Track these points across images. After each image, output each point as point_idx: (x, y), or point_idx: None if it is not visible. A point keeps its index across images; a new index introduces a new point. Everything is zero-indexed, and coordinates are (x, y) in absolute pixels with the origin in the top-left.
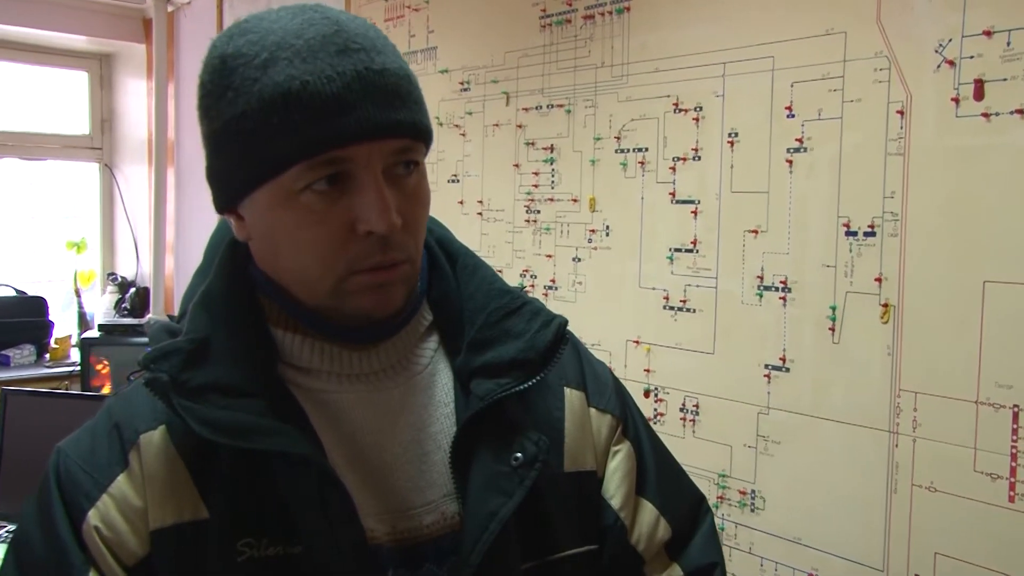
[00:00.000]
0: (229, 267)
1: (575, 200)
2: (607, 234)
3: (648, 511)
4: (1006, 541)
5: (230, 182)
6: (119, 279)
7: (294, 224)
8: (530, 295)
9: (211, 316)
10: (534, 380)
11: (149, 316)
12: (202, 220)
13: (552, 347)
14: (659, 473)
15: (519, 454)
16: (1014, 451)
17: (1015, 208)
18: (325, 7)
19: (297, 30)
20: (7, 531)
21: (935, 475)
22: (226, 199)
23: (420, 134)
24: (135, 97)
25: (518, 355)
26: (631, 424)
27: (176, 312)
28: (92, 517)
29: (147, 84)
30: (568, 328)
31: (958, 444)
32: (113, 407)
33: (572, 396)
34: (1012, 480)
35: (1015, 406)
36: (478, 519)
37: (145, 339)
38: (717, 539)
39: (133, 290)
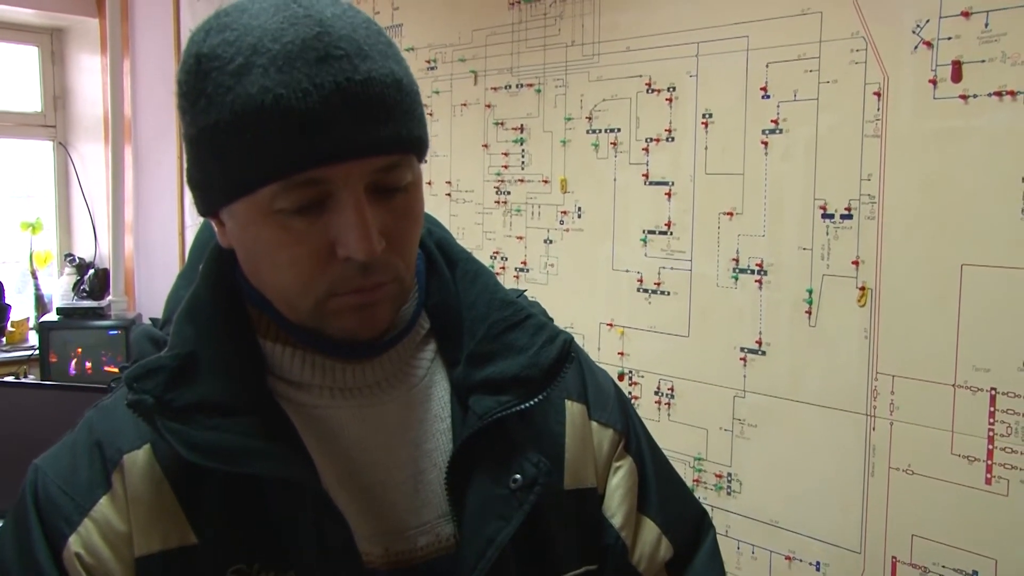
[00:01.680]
0: (214, 274)
1: (546, 181)
2: (579, 216)
3: (650, 529)
4: (983, 523)
5: (208, 191)
6: (77, 260)
7: (271, 243)
8: (530, 300)
9: (197, 328)
10: (536, 399)
11: (109, 298)
12: (161, 199)
13: (556, 365)
14: (661, 490)
15: (518, 475)
16: (991, 434)
17: (992, 191)
18: (310, 1)
19: (276, 31)
20: None
21: (912, 458)
22: (205, 206)
23: (409, 148)
24: (89, 73)
25: (520, 372)
26: (633, 438)
27: (160, 316)
28: (73, 543)
29: (101, 60)
30: (575, 343)
31: (935, 427)
32: (94, 422)
33: (573, 409)
34: (989, 463)
35: (992, 389)
36: (475, 544)
37: (106, 322)
38: (719, 558)
39: (92, 271)
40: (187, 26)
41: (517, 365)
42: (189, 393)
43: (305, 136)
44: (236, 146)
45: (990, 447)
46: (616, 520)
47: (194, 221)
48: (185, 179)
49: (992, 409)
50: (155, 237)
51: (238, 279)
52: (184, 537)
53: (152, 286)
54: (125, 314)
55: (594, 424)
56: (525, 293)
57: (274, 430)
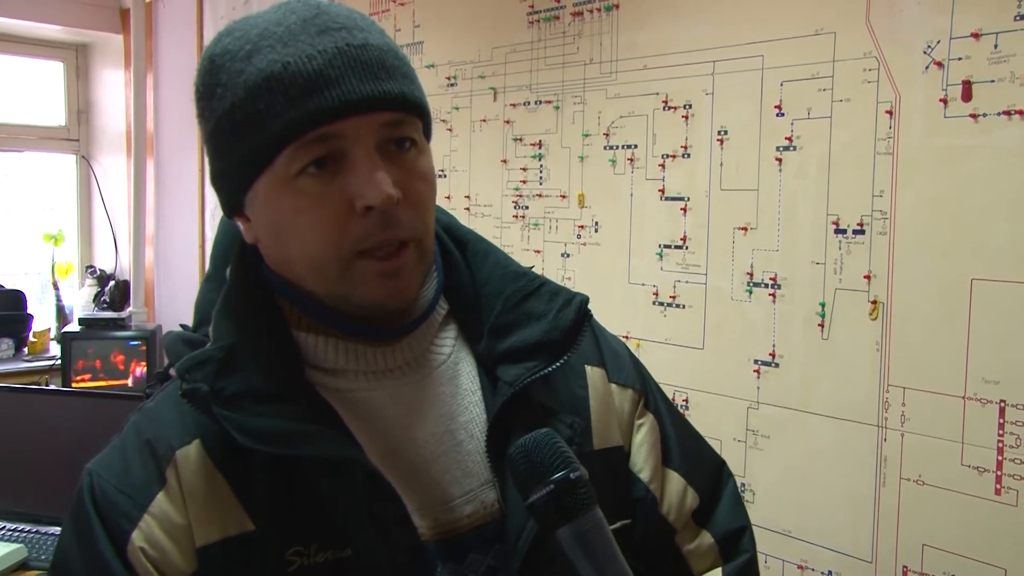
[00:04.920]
0: (242, 272)
1: (564, 196)
2: (596, 230)
3: (675, 481)
4: (992, 533)
5: (230, 179)
6: (98, 272)
7: (293, 210)
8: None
9: (235, 323)
10: (562, 360)
11: (129, 309)
12: (182, 212)
13: (576, 326)
14: (681, 442)
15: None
16: (1000, 445)
17: (1002, 207)
18: (313, 0)
19: (278, 19)
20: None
21: (923, 469)
22: (230, 199)
23: (411, 106)
24: (112, 88)
25: (543, 337)
26: (651, 397)
27: (191, 322)
28: (136, 538)
29: (125, 75)
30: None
31: (945, 438)
32: (140, 424)
33: (593, 374)
34: (998, 473)
35: (1001, 401)
36: (521, 508)
37: (127, 333)
38: (742, 503)
39: (112, 283)
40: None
41: (538, 331)
42: (236, 382)
43: (315, 93)
44: (252, 118)
45: (999, 458)
46: (644, 474)
47: (214, 234)
48: (208, 181)
49: (1001, 421)
50: (175, 249)
51: (266, 275)
52: (242, 525)
53: (172, 297)
54: (145, 325)
55: (613, 386)
56: (533, 268)
57: (316, 416)
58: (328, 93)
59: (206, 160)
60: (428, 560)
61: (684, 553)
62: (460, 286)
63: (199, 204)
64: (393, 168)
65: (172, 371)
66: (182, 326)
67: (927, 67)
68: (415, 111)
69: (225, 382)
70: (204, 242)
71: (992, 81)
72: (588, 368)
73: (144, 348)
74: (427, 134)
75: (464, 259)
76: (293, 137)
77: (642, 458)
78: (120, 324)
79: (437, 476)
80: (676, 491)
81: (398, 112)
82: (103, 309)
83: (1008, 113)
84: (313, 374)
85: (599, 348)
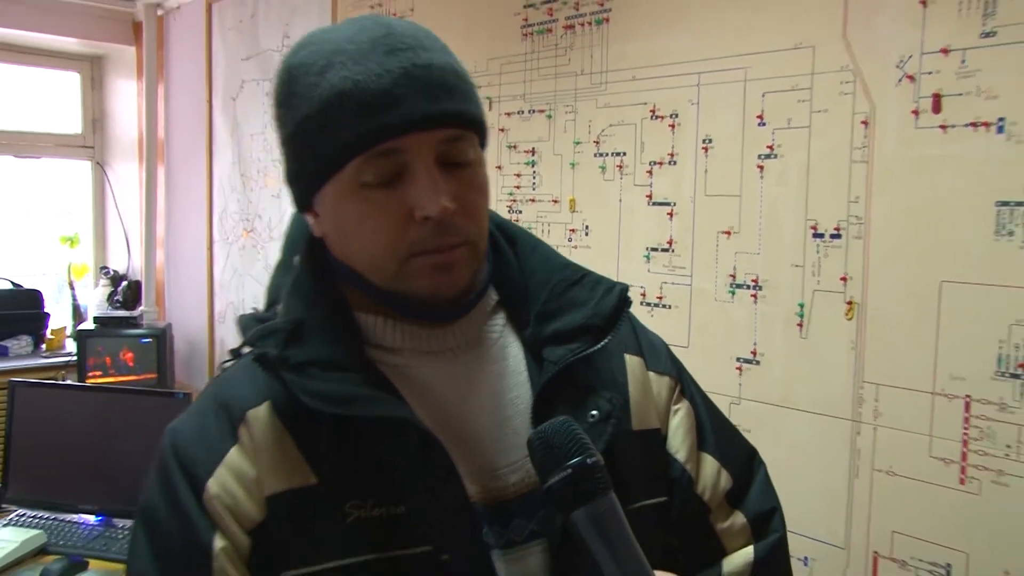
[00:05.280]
0: (311, 261)
1: (556, 201)
2: (587, 233)
3: (710, 464)
4: (957, 520)
5: (303, 181)
6: (111, 272)
7: (358, 215)
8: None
9: (303, 301)
10: (604, 342)
11: (141, 308)
12: (191, 216)
13: (616, 311)
14: (716, 429)
15: (595, 411)
16: (965, 438)
17: (969, 214)
18: (379, 16)
19: (350, 36)
20: (20, 515)
21: (894, 460)
22: (302, 197)
23: (468, 123)
24: (125, 97)
25: (586, 321)
26: (687, 385)
27: (262, 305)
28: (212, 486)
29: (137, 85)
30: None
31: (915, 432)
32: (216, 389)
33: (632, 362)
34: (963, 464)
35: (967, 396)
36: None
37: (139, 331)
38: (772, 487)
39: (125, 283)
40: (219, 54)
41: (582, 316)
42: (302, 352)
43: (380, 112)
44: (324, 129)
45: (964, 450)
46: (680, 455)
47: (221, 237)
48: (284, 179)
49: (967, 415)
50: (185, 251)
51: (331, 264)
52: (306, 478)
53: (182, 297)
54: (156, 323)
55: (651, 374)
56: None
57: (376, 386)
58: (393, 111)
59: (282, 160)
60: (475, 521)
61: (718, 531)
62: (509, 278)
63: (207, 208)
64: (451, 180)
65: (244, 349)
66: (254, 309)
67: (900, 80)
68: (472, 127)
69: (292, 351)
70: (212, 244)
71: (960, 94)
72: (627, 356)
73: (155, 345)
74: (483, 144)
75: (514, 253)
76: (360, 150)
77: (679, 440)
78: (132, 322)
79: (485, 446)
80: (711, 473)
81: (456, 128)
82: (116, 308)
83: (975, 125)
84: (372, 351)
85: (638, 340)
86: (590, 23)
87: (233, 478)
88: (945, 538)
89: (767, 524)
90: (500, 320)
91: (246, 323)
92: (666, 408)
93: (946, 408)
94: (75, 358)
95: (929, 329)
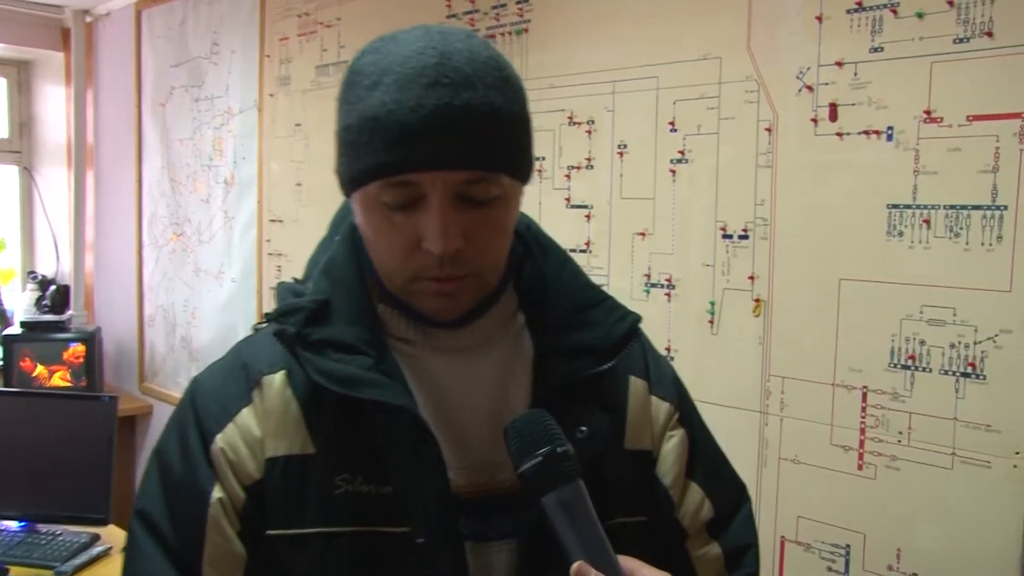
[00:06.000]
0: (348, 243)
1: None
2: None
3: (695, 492)
4: (855, 503)
5: (341, 178)
6: (39, 277)
7: (375, 228)
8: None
9: (332, 282)
10: (607, 365)
11: (70, 312)
12: (121, 221)
13: (625, 339)
14: (708, 461)
15: (584, 428)
16: (862, 426)
17: (864, 216)
18: (451, 34)
19: (405, 57)
20: None
21: (799, 449)
22: (343, 190)
23: (495, 167)
24: (54, 102)
25: (596, 342)
26: (687, 414)
27: (301, 276)
28: (219, 440)
29: (66, 90)
30: (639, 325)
31: (817, 421)
32: (243, 349)
33: (636, 384)
34: (860, 451)
35: (864, 387)
36: None
37: (67, 335)
38: (754, 524)
39: (53, 288)
40: (148, 60)
41: (593, 337)
42: (321, 332)
43: (404, 145)
44: (357, 145)
45: (862, 437)
46: (667, 480)
47: (151, 240)
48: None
49: (864, 405)
50: (114, 255)
51: (363, 252)
52: (305, 447)
53: (111, 301)
54: (85, 327)
55: (653, 398)
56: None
57: (386, 370)
58: (415, 148)
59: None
60: (455, 511)
61: (692, 558)
62: (535, 286)
63: (137, 213)
64: (467, 216)
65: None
66: (294, 279)
67: (800, 90)
68: (500, 170)
69: (311, 329)
70: (141, 248)
71: (854, 104)
72: (632, 378)
73: (84, 349)
74: (524, 179)
75: (545, 264)
76: (381, 176)
77: (668, 465)
78: (61, 327)
79: (478, 443)
80: (694, 501)
81: (477, 172)
82: (45, 313)
83: (867, 133)
84: (389, 339)
85: (646, 363)
86: (511, 32)
87: (240, 436)
88: (845, 521)
89: (741, 559)
90: (517, 325)
91: (282, 292)
92: (661, 432)
93: (845, 398)
94: (2, 363)
95: (829, 324)
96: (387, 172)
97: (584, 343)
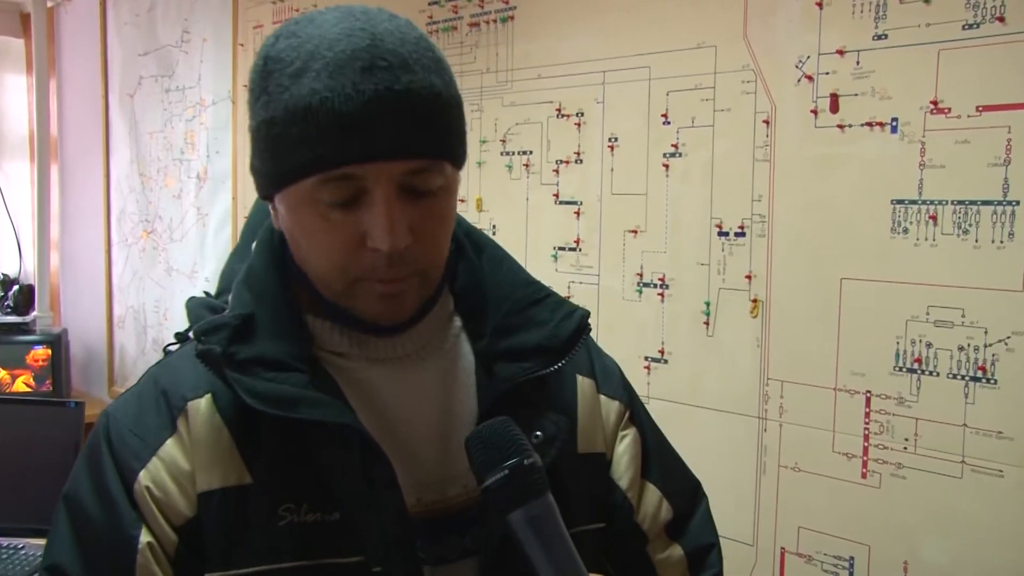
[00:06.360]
0: (268, 251)
1: (462, 200)
2: (494, 233)
3: (652, 493)
4: (859, 513)
5: (263, 177)
6: (1, 276)
7: (311, 228)
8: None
9: (254, 295)
10: (557, 366)
11: (34, 313)
12: (88, 216)
13: (574, 336)
14: (661, 459)
15: (539, 432)
16: (866, 432)
17: (867, 212)
18: (374, 14)
19: (332, 40)
20: None
21: (799, 456)
22: (262, 191)
23: (439, 154)
24: (14, 92)
25: (542, 342)
26: (637, 412)
27: (213, 291)
28: (143, 478)
29: (27, 79)
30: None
31: (819, 427)
32: (158, 375)
33: (584, 383)
34: (864, 459)
35: (867, 391)
36: None
37: (31, 337)
38: (712, 522)
39: (16, 287)
40: (114, 48)
41: (539, 336)
42: (248, 349)
43: (344, 135)
44: (286, 139)
45: (865, 444)
46: (623, 482)
47: (120, 238)
48: (248, 166)
49: (867, 410)
50: (81, 254)
51: (286, 259)
52: (241, 477)
53: (78, 301)
54: (50, 329)
55: (602, 397)
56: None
57: (321, 388)
58: (356, 138)
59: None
60: (411, 533)
61: (655, 561)
62: (471, 287)
63: (104, 209)
64: (411, 209)
65: (191, 333)
66: (205, 293)
67: (799, 80)
68: (443, 157)
69: (237, 347)
70: (110, 246)
71: (856, 95)
72: (580, 378)
73: (49, 352)
74: (459, 166)
75: (480, 263)
76: (319, 170)
77: (623, 467)
78: (24, 328)
79: (425, 457)
80: (652, 502)
81: (422, 160)
82: (7, 314)
83: (870, 124)
84: (320, 353)
85: (592, 362)
86: (495, 20)
87: (166, 471)
88: (848, 532)
89: (704, 558)
90: (454, 329)
91: (194, 308)
92: (613, 433)
93: (848, 403)
94: None
95: (831, 326)
96: (326, 166)
97: (530, 343)
